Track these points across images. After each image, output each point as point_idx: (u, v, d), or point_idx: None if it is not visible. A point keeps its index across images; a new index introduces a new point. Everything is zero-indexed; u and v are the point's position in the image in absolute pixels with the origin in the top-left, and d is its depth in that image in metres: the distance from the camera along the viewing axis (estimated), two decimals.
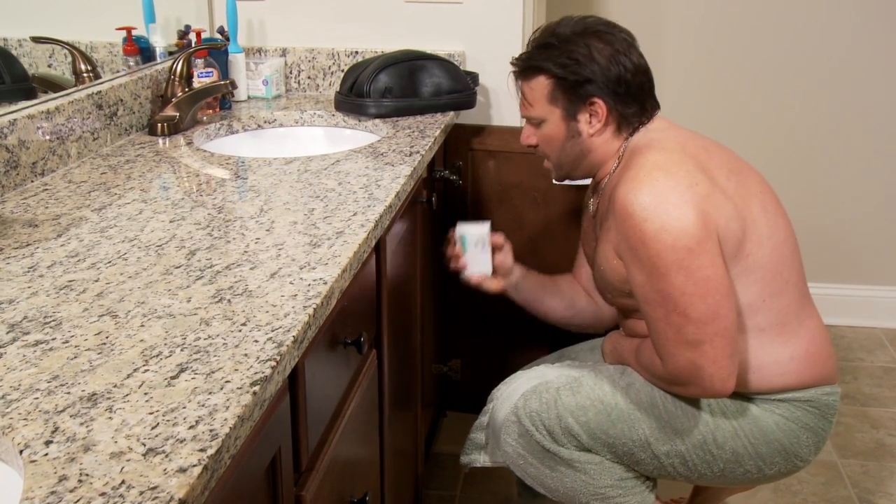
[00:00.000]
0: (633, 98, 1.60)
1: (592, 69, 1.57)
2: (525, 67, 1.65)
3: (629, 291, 1.59)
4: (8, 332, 1.00)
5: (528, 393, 1.67)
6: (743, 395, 1.62)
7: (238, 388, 0.88)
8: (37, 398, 0.86)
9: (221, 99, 2.15)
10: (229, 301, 1.09)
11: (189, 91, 1.96)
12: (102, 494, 0.72)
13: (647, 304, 1.52)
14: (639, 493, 1.67)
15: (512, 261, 1.88)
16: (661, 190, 1.49)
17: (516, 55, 1.69)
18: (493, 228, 1.84)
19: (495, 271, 1.86)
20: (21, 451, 0.78)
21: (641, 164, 1.54)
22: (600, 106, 1.59)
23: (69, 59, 1.80)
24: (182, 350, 0.96)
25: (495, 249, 1.85)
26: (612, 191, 1.58)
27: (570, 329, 1.97)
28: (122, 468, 0.75)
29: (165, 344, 0.97)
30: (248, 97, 2.29)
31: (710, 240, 1.48)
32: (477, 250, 1.81)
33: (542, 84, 1.62)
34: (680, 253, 1.46)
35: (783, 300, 1.60)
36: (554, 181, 1.83)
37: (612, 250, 1.59)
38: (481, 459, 1.80)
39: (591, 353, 1.86)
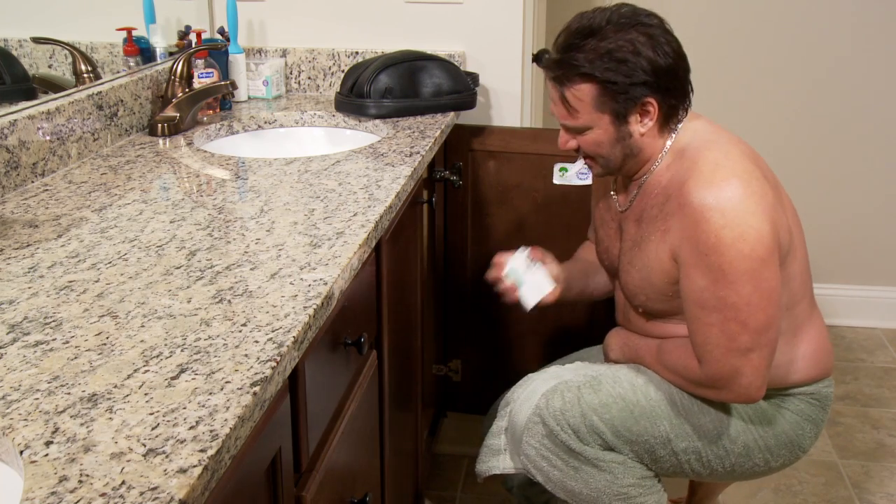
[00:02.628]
0: (680, 88, 1.54)
1: (642, 67, 1.47)
2: (566, 73, 1.51)
3: (672, 294, 1.57)
4: (8, 333, 1.00)
5: (549, 393, 1.65)
6: None
7: (238, 389, 0.88)
8: (37, 399, 0.86)
9: (222, 99, 2.15)
10: (229, 301, 1.09)
11: (189, 91, 1.96)
12: (103, 495, 0.72)
13: (703, 308, 1.49)
14: (656, 493, 1.67)
15: (557, 264, 1.80)
16: (741, 197, 1.45)
17: (549, 55, 1.54)
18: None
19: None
20: (21, 452, 0.78)
21: (711, 167, 1.49)
22: (653, 104, 1.51)
23: (69, 59, 1.80)
24: (182, 350, 0.96)
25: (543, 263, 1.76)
26: (675, 191, 1.52)
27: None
28: (123, 469, 0.75)
29: (166, 344, 0.97)
30: (249, 98, 2.29)
31: (777, 251, 1.48)
32: (531, 276, 1.73)
33: (587, 91, 1.50)
34: (754, 263, 1.45)
35: (801, 306, 1.64)
36: (597, 175, 1.69)
37: (667, 251, 1.54)
38: (501, 465, 1.74)
39: (594, 356, 1.86)
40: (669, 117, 1.56)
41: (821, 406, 1.68)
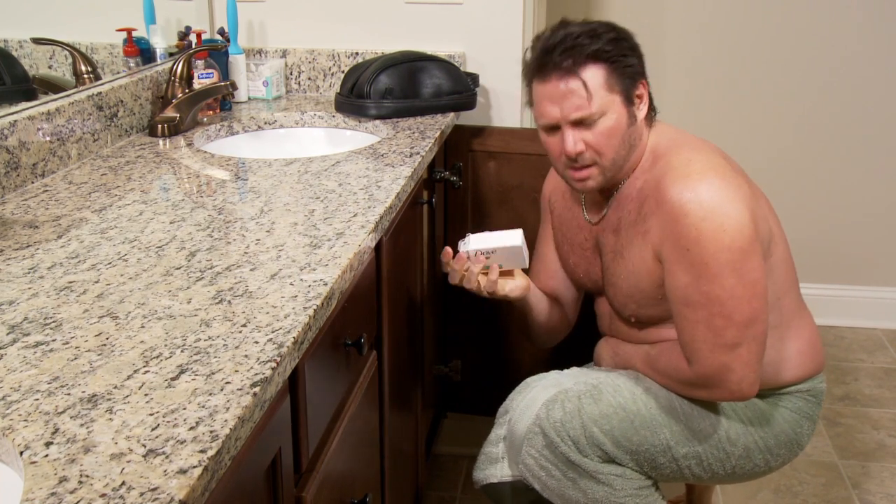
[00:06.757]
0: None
1: (634, 48, 1.54)
2: (576, 60, 1.50)
3: (662, 297, 1.56)
4: (8, 334, 1.00)
5: (549, 402, 1.62)
6: None
7: (238, 390, 0.88)
8: (37, 399, 0.86)
9: (222, 100, 2.15)
10: (229, 302, 1.09)
11: (189, 92, 1.97)
12: (103, 496, 0.72)
13: (688, 306, 1.49)
14: (654, 502, 1.67)
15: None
16: (718, 189, 1.47)
17: (558, 54, 1.50)
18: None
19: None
20: (21, 453, 0.78)
21: (685, 163, 1.51)
22: (644, 87, 1.56)
23: (70, 60, 1.80)
24: (182, 351, 0.96)
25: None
26: (651, 191, 1.53)
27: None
28: (123, 469, 0.75)
29: (166, 345, 0.97)
30: (249, 98, 2.29)
31: (758, 241, 1.49)
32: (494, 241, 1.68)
33: (597, 72, 1.50)
34: (735, 254, 1.45)
35: (788, 298, 1.65)
36: (589, 188, 1.61)
37: (650, 252, 1.54)
38: (499, 474, 1.73)
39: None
40: (651, 108, 1.60)
41: (816, 402, 1.70)
